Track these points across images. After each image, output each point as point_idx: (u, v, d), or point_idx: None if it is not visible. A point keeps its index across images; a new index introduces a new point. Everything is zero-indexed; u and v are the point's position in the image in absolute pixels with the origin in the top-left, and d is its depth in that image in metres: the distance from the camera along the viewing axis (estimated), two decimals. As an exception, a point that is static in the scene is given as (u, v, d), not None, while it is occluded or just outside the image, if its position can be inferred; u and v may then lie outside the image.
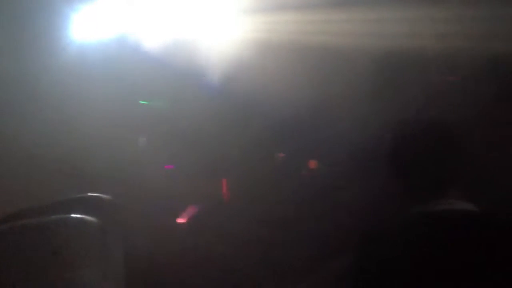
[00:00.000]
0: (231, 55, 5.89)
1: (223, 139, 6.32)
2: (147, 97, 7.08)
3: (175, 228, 6.30)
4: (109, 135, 6.01)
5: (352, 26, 5.63)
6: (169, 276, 5.33)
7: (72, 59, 6.07)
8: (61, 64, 5.93)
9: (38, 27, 5.82)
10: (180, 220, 6.40)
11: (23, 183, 4.88)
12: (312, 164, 6.35)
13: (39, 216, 2.14)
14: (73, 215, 2.09)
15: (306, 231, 5.51)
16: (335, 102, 5.63)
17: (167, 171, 6.78)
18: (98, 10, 6.11)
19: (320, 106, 5.82)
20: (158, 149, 6.72)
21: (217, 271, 5.45)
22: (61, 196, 2.55)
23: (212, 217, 6.24)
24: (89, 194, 2.58)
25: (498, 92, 5.32)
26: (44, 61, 5.88)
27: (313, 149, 6.19)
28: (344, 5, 5.48)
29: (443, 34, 5.88)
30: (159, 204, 6.19)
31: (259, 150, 6.45)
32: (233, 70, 5.94)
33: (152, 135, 6.83)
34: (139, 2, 6.05)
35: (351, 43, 5.65)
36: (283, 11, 5.63)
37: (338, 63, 5.65)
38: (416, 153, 2.28)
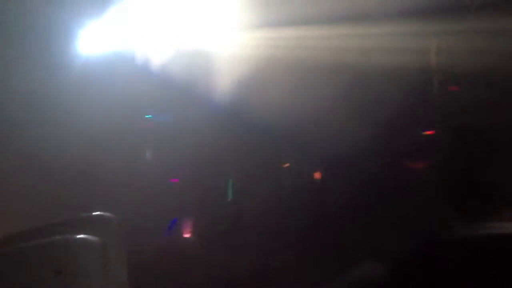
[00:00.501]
0: (234, 70, 5.94)
1: (225, 151, 6.35)
2: (151, 111, 7.14)
3: (180, 241, 6.32)
4: (113, 150, 6.05)
5: (351, 42, 5.68)
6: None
7: (78, 73, 6.12)
8: (67, 79, 5.98)
9: (44, 43, 5.88)
10: (186, 233, 6.42)
11: (29, 202, 4.91)
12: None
13: (43, 236, 2.17)
14: (76, 235, 2.12)
15: (329, 246, 5.46)
16: (339, 116, 5.65)
17: (172, 185, 6.80)
18: (103, 26, 6.17)
19: (326, 119, 5.84)
20: (162, 163, 6.75)
21: (222, 282, 5.46)
22: (66, 215, 2.58)
23: (215, 229, 6.25)
24: (93, 213, 2.61)
25: None
26: (50, 75, 5.93)
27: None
28: (344, 21, 5.53)
29: (441, 48, 5.93)
30: (164, 218, 6.22)
31: (260, 161, 6.48)
32: (236, 84, 5.99)
33: (157, 149, 6.86)
34: (144, 18, 6.10)
35: (351, 58, 5.69)
36: (285, 27, 5.69)
37: (338, 78, 5.69)
38: (461, 167, 2.03)
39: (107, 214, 2.54)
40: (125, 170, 6.06)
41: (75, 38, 6.18)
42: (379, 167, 5.95)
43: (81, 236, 2.18)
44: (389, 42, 5.61)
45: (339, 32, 5.66)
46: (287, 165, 6.71)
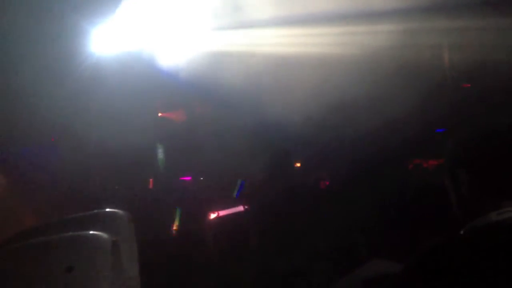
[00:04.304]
0: (240, 68, 5.94)
1: (233, 147, 6.34)
2: (163, 108, 7.17)
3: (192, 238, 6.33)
4: (124, 148, 6.06)
5: (360, 39, 5.67)
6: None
7: (90, 71, 6.15)
8: (80, 77, 6.01)
9: (59, 43, 5.90)
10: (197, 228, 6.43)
11: (39, 199, 4.93)
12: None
13: (54, 232, 2.16)
14: (87, 232, 2.11)
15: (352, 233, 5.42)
16: (351, 115, 5.63)
17: (183, 183, 6.82)
18: (114, 26, 6.19)
19: (337, 118, 5.82)
20: (174, 161, 6.77)
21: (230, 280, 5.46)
22: (78, 211, 2.58)
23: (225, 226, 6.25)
24: (105, 209, 2.60)
25: None
26: (63, 74, 5.96)
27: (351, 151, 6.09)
28: (354, 20, 5.52)
29: (454, 45, 5.89)
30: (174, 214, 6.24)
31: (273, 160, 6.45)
32: (242, 81, 5.98)
33: (169, 147, 6.88)
34: (152, 18, 6.12)
35: (361, 55, 5.68)
36: (295, 26, 5.68)
37: (349, 76, 5.68)
38: (477, 159, 2.09)
39: (118, 210, 2.53)
40: (136, 168, 6.08)
41: (87, 38, 6.20)
42: (390, 166, 5.92)
43: (92, 232, 2.17)
44: (402, 39, 5.58)
45: (347, 30, 5.65)
46: (298, 164, 6.70)
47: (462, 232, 2.01)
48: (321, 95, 5.68)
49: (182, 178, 6.76)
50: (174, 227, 6.21)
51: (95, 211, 2.55)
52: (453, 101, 6.15)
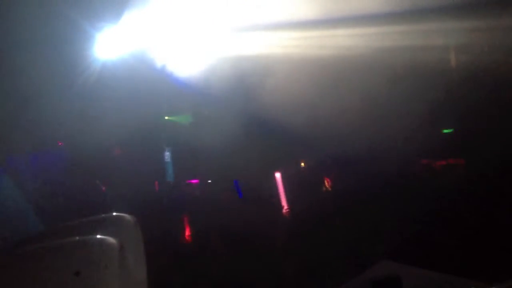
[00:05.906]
0: (246, 70, 5.94)
1: (240, 150, 6.34)
2: (168, 112, 7.18)
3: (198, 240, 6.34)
4: (131, 151, 6.08)
5: (366, 41, 5.66)
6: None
7: (96, 75, 6.18)
8: (87, 81, 6.04)
9: (65, 47, 5.93)
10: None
11: (47, 204, 4.96)
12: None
13: (63, 237, 2.18)
14: (94, 236, 2.12)
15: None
16: (357, 115, 5.62)
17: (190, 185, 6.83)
18: (120, 30, 6.22)
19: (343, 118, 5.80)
20: (181, 164, 6.77)
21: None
22: (85, 216, 2.59)
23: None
24: (112, 213, 2.61)
25: None
26: (71, 78, 6.00)
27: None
28: (357, 22, 5.51)
29: (460, 46, 5.87)
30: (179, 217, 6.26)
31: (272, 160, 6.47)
32: (249, 84, 5.98)
33: (175, 149, 6.90)
34: (158, 22, 6.14)
35: (366, 57, 5.67)
36: (298, 28, 5.68)
37: (353, 75, 5.67)
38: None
39: (124, 215, 2.54)
40: (143, 171, 6.09)
41: (94, 42, 6.23)
42: (398, 165, 5.91)
43: (99, 237, 2.18)
44: (413, 41, 5.56)
45: (352, 32, 5.64)
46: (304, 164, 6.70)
47: None
48: (326, 97, 5.68)
49: (189, 181, 6.78)
50: (182, 230, 6.24)
51: (102, 215, 2.56)
52: (464, 101, 6.11)
